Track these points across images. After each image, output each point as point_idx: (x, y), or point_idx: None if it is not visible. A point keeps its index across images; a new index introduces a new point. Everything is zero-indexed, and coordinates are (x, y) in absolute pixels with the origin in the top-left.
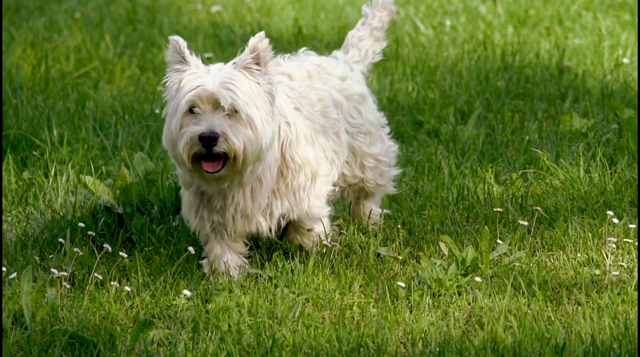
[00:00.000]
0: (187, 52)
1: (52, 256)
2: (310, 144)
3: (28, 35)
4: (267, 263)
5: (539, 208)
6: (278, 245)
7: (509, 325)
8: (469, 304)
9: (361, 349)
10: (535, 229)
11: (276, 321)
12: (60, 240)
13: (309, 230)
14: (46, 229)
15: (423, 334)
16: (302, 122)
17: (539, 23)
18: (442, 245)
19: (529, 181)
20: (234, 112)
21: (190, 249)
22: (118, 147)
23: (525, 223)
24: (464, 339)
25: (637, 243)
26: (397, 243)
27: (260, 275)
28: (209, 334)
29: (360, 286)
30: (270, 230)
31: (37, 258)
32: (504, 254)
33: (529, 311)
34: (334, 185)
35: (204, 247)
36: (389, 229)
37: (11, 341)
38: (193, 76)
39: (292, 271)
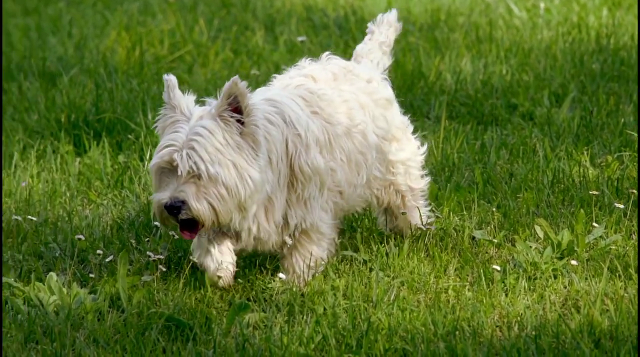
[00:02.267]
0: (175, 94)
1: (148, 239)
2: (327, 150)
3: (122, 19)
4: (361, 246)
5: (635, 191)
6: (373, 228)
7: (606, 308)
8: (565, 287)
9: (457, 333)
10: (632, 212)
11: (371, 304)
12: (156, 223)
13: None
14: (142, 213)
15: (519, 318)
16: (318, 128)
17: (633, 5)
18: (537, 228)
19: (625, 163)
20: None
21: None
22: None
23: (622, 206)
24: (560, 323)
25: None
26: (492, 226)
27: (355, 258)
28: (304, 317)
29: (455, 269)
30: (281, 245)
31: (133, 241)
32: (600, 237)
33: (625, 295)
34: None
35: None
36: (483, 212)
37: (108, 323)
38: (171, 128)
39: (386, 254)
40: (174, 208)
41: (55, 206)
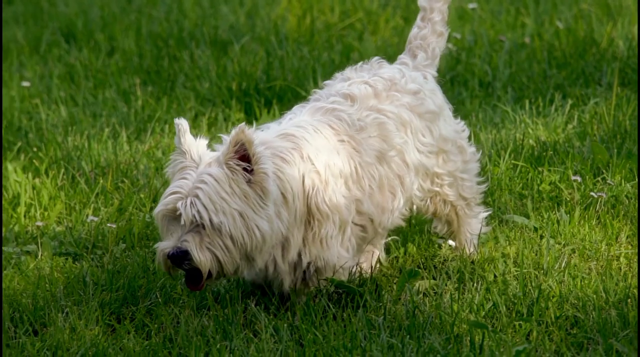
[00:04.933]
0: (186, 139)
1: None
2: (353, 180)
3: None
4: (532, 214)
5: None
6: (543, 195)
7: None
8: None
9: (628, 300)
10: None
11: (542, 271)
12: None
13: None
14: None
15: None
16: (343, 159)
17: None
18: None
19: None
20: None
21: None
22: None
23: None
24: None
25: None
26: None
27: (526, 226)
28: (475, 284)
29: (627, 237)
30: (293, 283)
31: None
32: None
33: None
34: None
35: None
36: None
37: (278, 290)
38: (179, 174)
39: (557, 221)
40: (177, 258)
41: None
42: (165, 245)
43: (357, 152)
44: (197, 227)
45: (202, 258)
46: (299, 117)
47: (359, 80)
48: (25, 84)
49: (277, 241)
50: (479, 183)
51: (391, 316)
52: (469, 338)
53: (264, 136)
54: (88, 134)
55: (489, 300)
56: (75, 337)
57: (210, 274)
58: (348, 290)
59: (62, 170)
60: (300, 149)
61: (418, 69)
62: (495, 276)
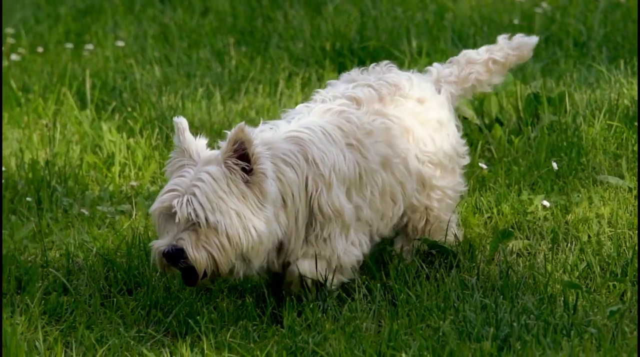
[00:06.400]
0: (185, 137)
1: None
2: (355, 187)
3: None
4: (627, 174)
5: None
6: (637, 156)
7: None
8: None
9: None
10: None
11: (636, 231)
12: None
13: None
14: None
15: None
16: (349, 164)
17: None
18: None
19: None
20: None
21: (554, 165)
22: None
23: None
24: None
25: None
26: None
27: (620, 186)
28: (568, 245)
29: None
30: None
31: None
32: None
33: None
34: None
35: None
36: None
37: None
38: (177, 172)
39: None
40: (172, 256)
41: None
42: (160, 243)
43: (363, 158)
44: (194, 225)
45: (197, 256)
46: (307, 118)
47: (362, 83)
48: (120, 44)
49: (274, 244)
50: (455, 211)
51: (484, 276)
52: (562, 298)
53: (268, 137)
54: (182, 94)
55: (583, 260)
56: (169, 296)
57: (205, 273)
58: (441, 250)
59: (156, 130)
60: (305, 152)
61: (438, 81)
62: (589, 236)
